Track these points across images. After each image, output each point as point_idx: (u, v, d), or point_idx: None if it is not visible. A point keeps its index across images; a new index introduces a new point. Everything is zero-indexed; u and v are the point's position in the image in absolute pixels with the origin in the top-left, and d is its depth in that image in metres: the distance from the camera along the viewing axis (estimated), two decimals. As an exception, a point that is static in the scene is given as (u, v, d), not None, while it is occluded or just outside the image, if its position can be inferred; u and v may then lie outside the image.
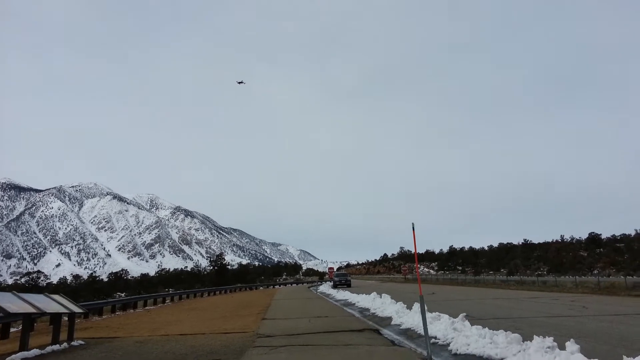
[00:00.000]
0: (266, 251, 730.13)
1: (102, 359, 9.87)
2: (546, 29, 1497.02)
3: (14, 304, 11.07)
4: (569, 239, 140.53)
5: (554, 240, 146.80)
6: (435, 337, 10.76)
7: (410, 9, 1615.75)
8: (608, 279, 38.19)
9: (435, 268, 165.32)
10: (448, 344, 9.87)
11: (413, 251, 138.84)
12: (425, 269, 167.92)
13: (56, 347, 11.55)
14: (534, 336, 8.07)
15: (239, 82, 79.75)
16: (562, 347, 7.38)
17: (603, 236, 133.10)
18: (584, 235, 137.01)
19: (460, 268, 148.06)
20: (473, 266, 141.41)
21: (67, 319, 13.35)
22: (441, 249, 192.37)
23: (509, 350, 8.16)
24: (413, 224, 8.25)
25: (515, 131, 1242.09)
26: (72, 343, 12.17)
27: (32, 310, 11.24)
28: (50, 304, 12.30)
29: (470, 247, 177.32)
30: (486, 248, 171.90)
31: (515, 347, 8.22)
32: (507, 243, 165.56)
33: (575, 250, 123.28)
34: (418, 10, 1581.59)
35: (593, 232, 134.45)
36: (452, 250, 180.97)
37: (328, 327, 13.74)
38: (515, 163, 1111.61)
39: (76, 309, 13.15)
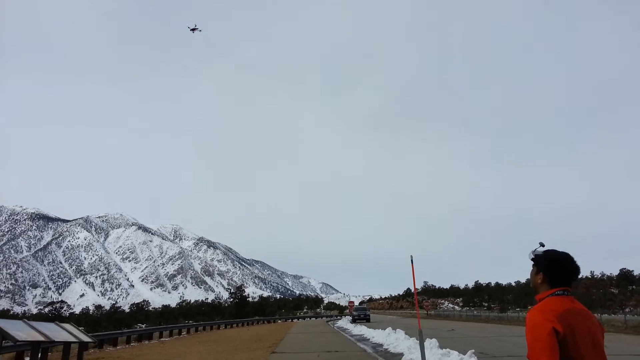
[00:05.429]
0: (288, 283, 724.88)
1: (104, 389, 9.87)
2: (566, 58, 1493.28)
3: (24, 332, 11.21)
4: (599, 275, 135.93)
5: (584, 277, 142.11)
6: (442, 375, 10.48)
7: (430, 44, 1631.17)
8: (636, 318, 36.57)
9: (461, 304, 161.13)
10: (454, 382, 9.59)
11: (437, 286, 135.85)
12: (449, 304, 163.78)
13: (62, 376, 11.60)
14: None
15: (192, 29, 67.91)
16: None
17: (635, 272, 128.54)
18: (614, 272, 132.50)
19: (486, 304, 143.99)
20: (499, 302, 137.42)
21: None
22: (466, 284, 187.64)
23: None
24: (412, 256, 8.15)
25: (543, 162, 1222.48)
26: (79, 373, 12.22)
27: (41, 338, 11.36)
28: (60, 333, 12.42)
29: (497, 282, 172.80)
30: (513, 284, 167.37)
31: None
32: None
33: (605, 287, 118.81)
34: (437, 42, 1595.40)
35: (625, 269, 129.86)
36: (478, 286, 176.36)
37: (336, 362, 13.48)
38: (544, 196, 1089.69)
39: (85, 338, 13.23)
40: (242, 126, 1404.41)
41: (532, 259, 2.96)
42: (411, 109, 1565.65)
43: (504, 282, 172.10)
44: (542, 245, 2.94)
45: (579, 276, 2.89)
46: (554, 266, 2.84)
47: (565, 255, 2.88)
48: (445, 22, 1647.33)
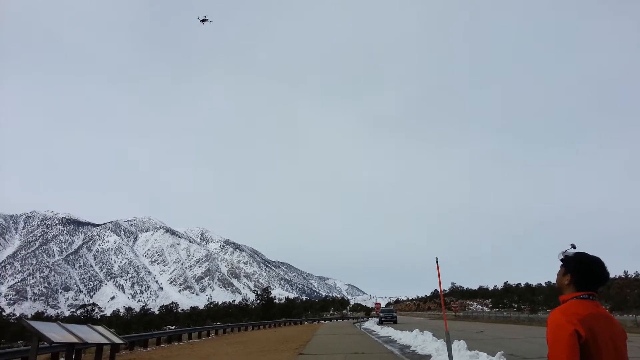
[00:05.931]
0: (314, 285, 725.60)
1: (136, 389, 10.09)
2: (566, 58, 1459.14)
3: (58, 334, 11.56)
4: (634, 275, 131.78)
5: (617, 277, 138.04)
6: (471, 377, 10.36)
7: (431, 43, 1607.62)
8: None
9: (490, 305, 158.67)
10: (483, 384, 9.48)
11: (465, 287, 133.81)
12: (478, 306, 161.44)
13: (96, 377, 11.90)
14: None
15: (202, 20, 63.72)
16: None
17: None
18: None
19: (515, 305, 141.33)
20: (530, 303, 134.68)
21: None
22: (495, 285, 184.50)
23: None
24: (437, 258, 8.08)
25: (571, 160, 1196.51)
26: (112, 373, 12.51)
27: (74, 340, 11.69)
28: (92, 335, 12.75)
29: (527, 283, 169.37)
30: (544, 284, 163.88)
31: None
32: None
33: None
34: (444, 44, 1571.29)
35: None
36: (507, 287, 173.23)
37: (363, 363, 13.45)
38: (574, 194, 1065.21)
39: (116, 340, 13.54)
40: (263, 129, 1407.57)
41: (562, 260, 2.94)
42: (431, 110, 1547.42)
43: (534, 282, 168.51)
44: (573, 246, 2.92)
45: (610, 279, 2.84)
46: (583, 269, 2.81)
47: (596, 260, 2.84)
48: (446, 22, 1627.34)
